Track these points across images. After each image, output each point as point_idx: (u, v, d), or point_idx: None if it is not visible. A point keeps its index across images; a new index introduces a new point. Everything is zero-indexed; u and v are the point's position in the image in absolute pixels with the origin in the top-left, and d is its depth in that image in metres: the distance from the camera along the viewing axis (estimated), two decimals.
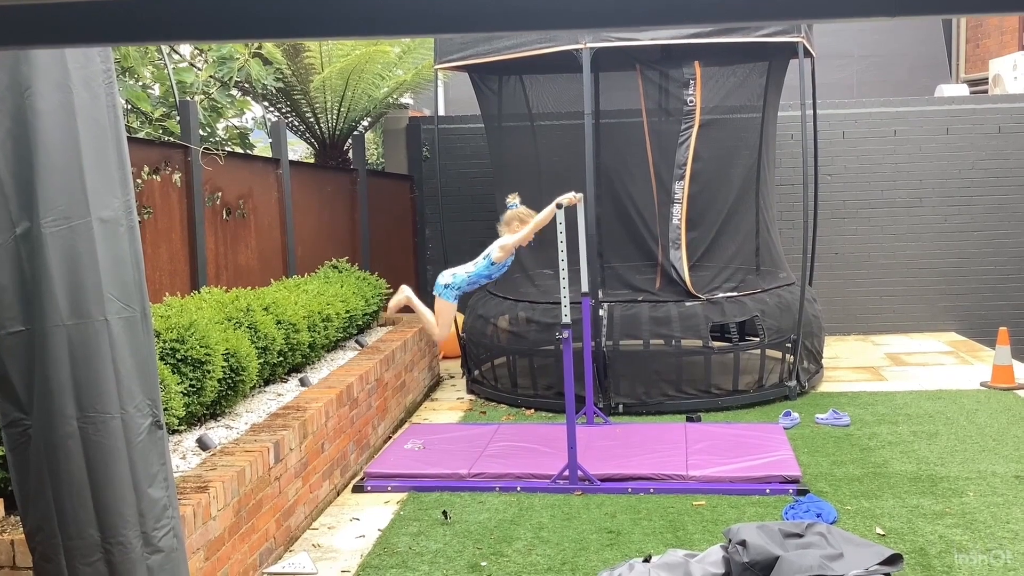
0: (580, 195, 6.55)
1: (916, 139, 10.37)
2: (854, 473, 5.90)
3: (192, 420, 5.02)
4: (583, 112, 7.50)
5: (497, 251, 6.16)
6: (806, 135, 8.01)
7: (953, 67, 13.99)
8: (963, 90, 11.32)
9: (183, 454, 4.58)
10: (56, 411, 3.07)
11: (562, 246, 5.87)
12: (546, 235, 8.54)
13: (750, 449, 6.18)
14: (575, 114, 8.11)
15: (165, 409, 4.36)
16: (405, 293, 6.36)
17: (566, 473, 5.75)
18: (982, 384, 8.03)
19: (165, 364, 4.63)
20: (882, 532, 4.95)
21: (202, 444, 4.66)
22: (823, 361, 8.51)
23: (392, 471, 6.02)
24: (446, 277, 6.25)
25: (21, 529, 3.29)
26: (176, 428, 4.77)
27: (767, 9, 1.22)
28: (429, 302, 6.34)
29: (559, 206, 5.90)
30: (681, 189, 7.85)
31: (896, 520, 5.12)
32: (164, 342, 4.74)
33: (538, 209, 6.18)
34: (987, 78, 11.90)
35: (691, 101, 7.77)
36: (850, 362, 9.18)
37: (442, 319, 6.25)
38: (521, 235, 6.12)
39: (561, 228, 5.86)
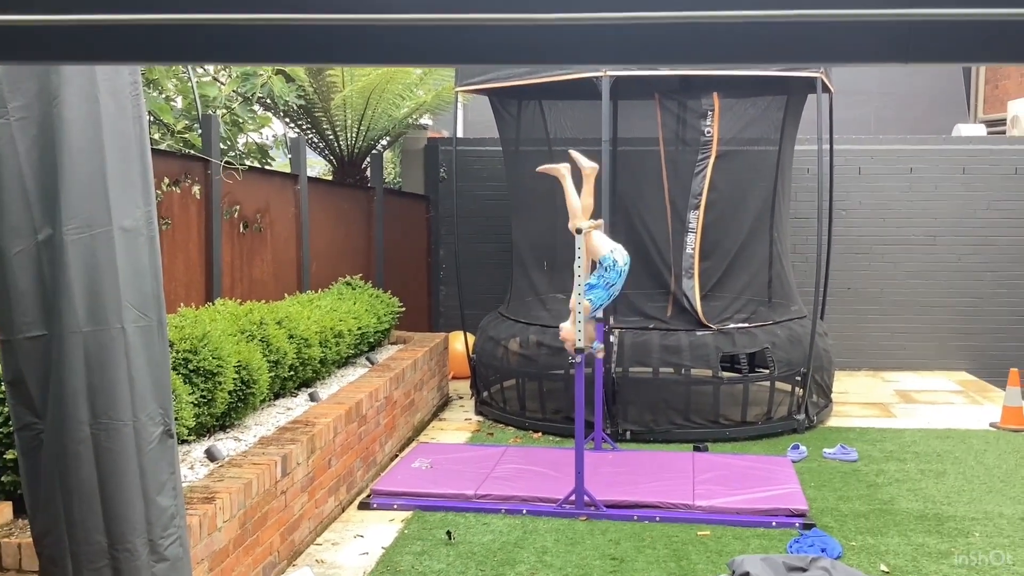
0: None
1: (932, 177, 10.37)
2: (860, 509, 5.88)
3: (202, 431, 5.05)
4: (601, 139, 7.53)
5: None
6: (822, 169, 8.04)
7: (971, 107, 14.00)
8: (981, 130, 11.33)
9: (191, 464, 4.61)
10: (69, 416, 3.11)
11: (579, 271, 5.88)
12: (558, 259, 8.61)
13: (757, 481, 6.16)
14: (593, 141, 8.14)
15: (176, 419, 4.39)
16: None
17: (572, 497, 5.75)
18: (991, 424, 7.99)
19: (177, 374, 4.67)
20: (886, 569, 4.93)
21: (210, 455, 4.69)
22: (832, 396, 8.49)
23: (399, 489, 6.03)
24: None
25: (28, 533, 3.32)
26: (185, 438, 4.80)
27: (786, 53, 1.25)
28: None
29: (579, 231, 5.89)
30: (696, 219, 7.88)
31: (901, 558, 5.10)
32: (177, 352, 4.78)
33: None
34: (1005, 119, 11.90)
35: (708, 132, 7.80)
36: (859, 397, 9.15)
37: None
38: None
39: (579, 254, 5.87)
